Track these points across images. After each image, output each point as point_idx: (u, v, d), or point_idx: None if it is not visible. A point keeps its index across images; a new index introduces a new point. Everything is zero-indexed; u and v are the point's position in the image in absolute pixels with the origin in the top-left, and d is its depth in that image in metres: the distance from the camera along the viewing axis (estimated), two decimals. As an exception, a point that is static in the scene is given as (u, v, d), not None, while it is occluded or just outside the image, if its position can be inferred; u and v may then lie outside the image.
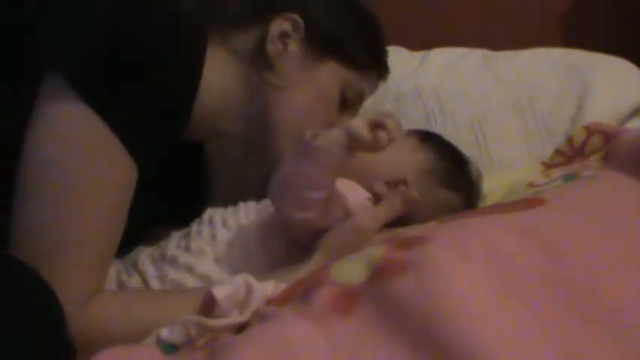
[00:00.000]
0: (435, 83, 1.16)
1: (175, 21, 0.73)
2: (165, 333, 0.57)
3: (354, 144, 0.70)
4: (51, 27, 0.71)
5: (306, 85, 0.84)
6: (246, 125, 0.84)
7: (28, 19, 0.73)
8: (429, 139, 0.92)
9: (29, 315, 0.55)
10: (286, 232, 0.79)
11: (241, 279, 0.60)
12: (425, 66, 1.21)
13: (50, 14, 0.72)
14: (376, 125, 0.70)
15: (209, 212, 0.85)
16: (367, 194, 0.83)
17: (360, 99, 0.90)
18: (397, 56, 1.24)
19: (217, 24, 0.83)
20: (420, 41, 1.26)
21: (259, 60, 0.82)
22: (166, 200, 0.85)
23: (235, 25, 0.84)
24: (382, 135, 0.70)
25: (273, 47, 0.82)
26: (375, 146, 0.70)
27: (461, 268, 0.51)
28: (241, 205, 0.85)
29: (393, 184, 0.85)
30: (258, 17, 0.83)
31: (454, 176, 0.89)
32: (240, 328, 0.57)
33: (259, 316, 0.57)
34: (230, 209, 0.85)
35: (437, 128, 1.09)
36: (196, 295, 0.65)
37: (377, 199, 0.83)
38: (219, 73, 0.80)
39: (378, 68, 0.92)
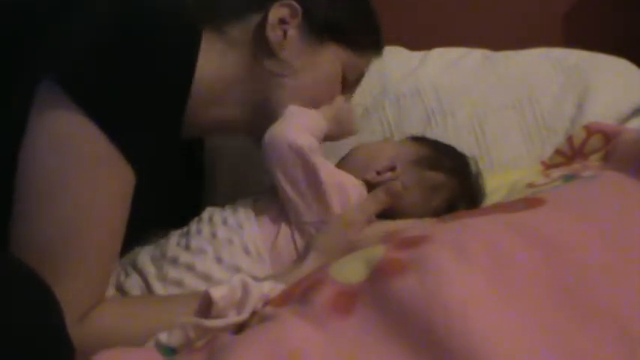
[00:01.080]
0: (435, 83, 1.16)
1: (166, 21, 0.73)
2: (163, 336, 0.57)
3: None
4: (43, 34, 0.71)
5: (308, 70, 0.84)
6: (247, 111, 0.83)
7: (18, 26, 0.73)
8: (419, 136, 0.96)
9: (28, 314, 0.55)
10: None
11: (237, 279, 0.60)
12: (425, 66, 1.21)
13: (42, 21, 0.72)
14: None
15: (209, 211, 0.85)
16: (358, 181, 0.85)
17: (359, 79, 0.92)
18: (397, 56, 1.24)
19: (215, 16, 0.82)
20: (420, 41, 1.26)
21: (259, 48, 0.82)
22: (166, 200, 0.85)
23: (234, 15, 0.83)
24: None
25: (273, 35, 0.81)
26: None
27: (461, 267, 0.51)
28: (241, 203, 0.85)
29: (383, 171, 0.87)
30: (255, 6, 0.83)
31: (443, 160, 0.90)
32: (239, 329, 0.57)
33: (259, 317, 0.57)
34: (229, 208, 0.85)
35: (437, 128, 1.09)
36: (195, 300, 0.65)
37: (369, 187, 0.85)
38: (218, 64, 0.80)
39: (376, 46, 0.92)
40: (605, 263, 0.53)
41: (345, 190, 0.81)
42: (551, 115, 1.13)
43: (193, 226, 0.83)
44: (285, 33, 0.82)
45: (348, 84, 0.89)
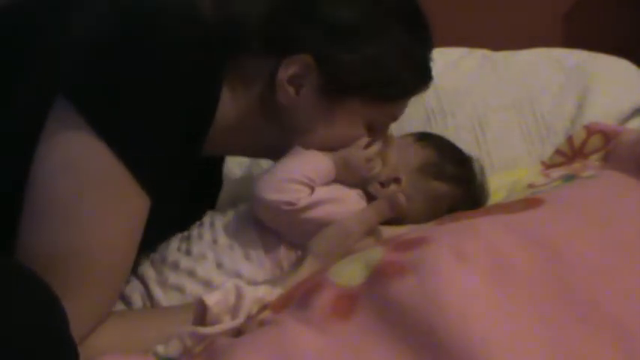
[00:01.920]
0: (435, 83, 1.16)
1: (192, 44, 0.68)
2: (161, 348, 0.57)
3: None
4: (57, 48, 0.68)
5: (323, 129, 0.77)
6: (257, 146, 0.81)
7: (17, 26, 0.71)
8: (426, 137, 0.92)
9: (31, 317, 0.55)
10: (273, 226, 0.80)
11: (230, 283, 0.59)
12: (425, 66, 1.20)
13: (56, 35, 0.69)
14: None
15: (210, 216, 0.85)
16: (358, 190, 0.83)
17: (389, 123, 0.84)
18: (397, 56, 1.24)
19: (234, 49, 0.74)
20: (420, 41, 1.25)
21: (270, 99, 0.75)
22: (178, 215, 0.83)
23: (248, 50, 0.74)
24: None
25: (282, 94, 0.74)
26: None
27: (460, 269, 0.51)
28: (242, 208, 0.85)
29: (387, 183, 0.85)
30: (270, 50, 0.74)
31: (448, 169, 0.88)
32: (236, 335, 0.57)
33: (258, 322, 0.56)
34: (231, 213, 0.84)
35: (437, 128, 1.09)
36: (192, 310, 0.64)
37: (370, 199, 0.83)
38: (229, 101, 0.75)
39: (421, 85, 0.82)
40: (605, 263, 0.52)
41: (340, 202, 0.80)
42: (551, 115, 1.13)
43: (194, 230, 0.83)
44: (297, 90, 0.74)
45: (376, 130, 0.81)
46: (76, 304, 0.63)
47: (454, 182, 0.87)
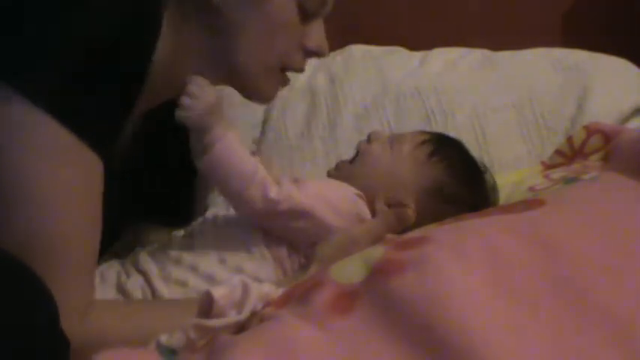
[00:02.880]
0: (435, 83, 1.16)
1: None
2: (163, 338, 0.57)
3: None
4: None
5: (258, 21, 0.78)
6: (210, 72, 0.79)
7: None
8: (441, 150, 0.88)
9: (21, 308, 0.55)
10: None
11: (237, 279, 0.60)
12: (425, 66, 1.21)
13: None
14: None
15: (212, 211, 0.85)
16: (356, 190, 0.83)
17: (322, 2, 0.82)
18: (397, 56, 1.24)
19: None
20: (420, 41, 1.26)
21: (205, 11, 0.76)
22: (152, 190, 0.83)
23: None
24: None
25: None
26: None
27: (460, 267, 0.51)
28: None
29: (394, 205, 0.83)
30: None
31: (460, 193, 0.85)
32: (238, 330, 0.57)
33: (259, 318, 0.57)
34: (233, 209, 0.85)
35: (437, 128, 1.09)
36: (196, 304, 0.64)
37: (374, 214, 0.83)
38: (170, 34, 0.75)
39: None
40: (605, 263, 0.52)
41: (334, 205, 0.80)
42: (551, 115, 1.13)
43: (197, 226, 0.83)
44: None
45: (309, 14, 0.80)
46: (62, 280, 0.64)
47: (466, 205, 0.83)
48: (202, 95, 0.71)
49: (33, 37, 0.65)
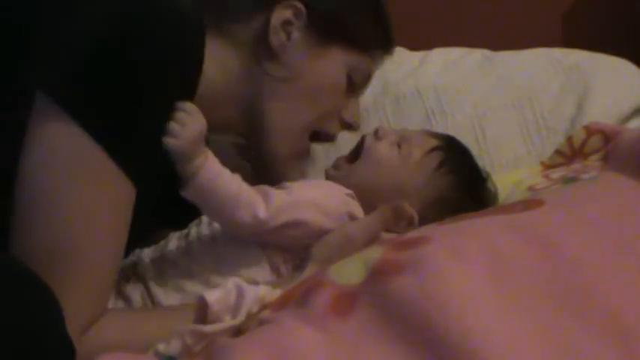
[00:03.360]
0: (435, 83, 1.16)
1: (169, 23, 0.69)
2: (161, 346, 0.57)
3: None
4: (38, 42, 0.68)
5: (310, 75, 0.82)
6: (244, 117, 0.81)
7: (15, 35, 0.71)
8: (450, 161, 0.87)
9: (27, 314, 0.55)
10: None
11: (231, 282, 0.59)
12: (425, 66, 1.21)
13: (37, 28, 0.69)
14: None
15: None
16: (347, 190, 0.82)
17: (367, 79, 0.88)
18: (397, 56, 1.24)
19: (216, 16, 0.80)
20: (420, 41, 1.26)
21: (261, 50, 0.80)
22: (167, 205, 0.84)
23: (235, 16, 0.81)
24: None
25: (276, 37, 0.79)
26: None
27: (459, 267, 0.51)
28: None
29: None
30: (258, 6, 0.81)
31: (464, 205, 0.83)
32: (237, 334, 0.57)
33: (258, 321, 0.56)
34: None
35: (437, 128, 1.09)
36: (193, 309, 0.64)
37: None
38: (220, 66, 0.78)
39: (385, 45, 0.89)
40: (605, 263, 0.53)
41: (324, 208, 0.78)
42: (551, 115, 1.13)
43: (193, 229, 0.82)
44: (288, 35, 0.80)
45: (355, 87, 0.86)
46: (73, 296, 0.64)
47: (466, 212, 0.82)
48: (190, 123, 0.70)
49: (81, 57, 0.66)
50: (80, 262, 0.67)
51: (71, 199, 0.66)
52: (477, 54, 1.23)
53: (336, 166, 0.89)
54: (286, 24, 0.80)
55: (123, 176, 0.68)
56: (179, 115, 0.70)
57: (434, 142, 0.88)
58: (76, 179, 0.66)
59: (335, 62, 0.83)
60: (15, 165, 0.67)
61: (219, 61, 0.78)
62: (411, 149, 0.86)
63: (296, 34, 0.80)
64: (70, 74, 0.66)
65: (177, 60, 0.70)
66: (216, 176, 0.73)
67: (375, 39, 0.87)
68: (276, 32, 0.79)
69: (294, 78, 0.81)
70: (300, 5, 0.80)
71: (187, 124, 0.70)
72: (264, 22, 0.80)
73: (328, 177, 0.88)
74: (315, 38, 0.81)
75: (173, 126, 0.70)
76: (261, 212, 0.74)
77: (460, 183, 0.86)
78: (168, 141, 0.69)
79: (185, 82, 0.72)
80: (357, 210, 0.81)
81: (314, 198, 0.78)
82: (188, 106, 0.71)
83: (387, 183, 0.84)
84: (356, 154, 0.88)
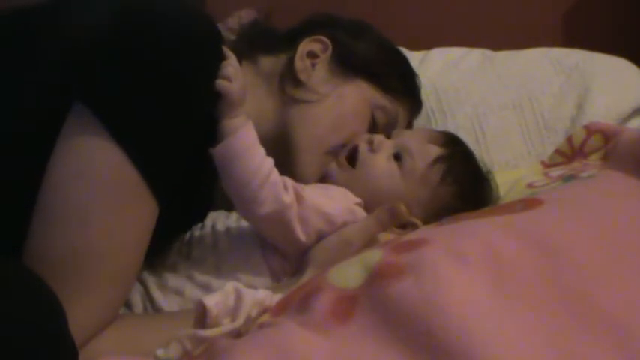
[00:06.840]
0: (435, 83, 1.16)
1: (207, 51, 0.70)
2: (161, 351, 0.57)
3: None
4: (64, 49, 0.68)
5: (334, 98, 0.85)
6: (273, 139, 0.81)
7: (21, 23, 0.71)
8: (454, 170, 0.85)
9: (30, 318, 0.55)
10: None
11: (230, 285, 0.59)
12: (425, 66, 1.21)
13: (60, 34, 0.69)
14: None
15: (211, 217, 0.84)
16: (357, 199, 0.82)
17: (392, 122, 0.90)
18: (397, 56, 1.24)
19: (250, 50, 0.86)
20: (420, 41, 1.26)
21: (287, 78, 0.85)
22: (178, 214, 0.83)
23: (268, 51, 0.88)
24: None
25: (300, 64, 0.85)
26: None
27: (458, 269, 0.51)
28: None
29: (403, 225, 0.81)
30: (288, 43, 0.87)
31: (464, 208, 0.81)
32: (236, 337, 0.57)
33: (257, 325, 0.56)
34: (233, 215, 0.84)
35: (437, 128, 1.09)
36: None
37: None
38: (249, 92, 0.77)
39: (410, 96, 0.94)
40: (604, 264, 0.52)
41: (331, 218, 0.78)
42: (551, 115, 1.13)
43: (196, 233, 0.82)
44: (313, 64, 0.86)
45: (378, 127, 0.89)
46: (84, 307, 0.64)
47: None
48: (239, 76, 0.71)
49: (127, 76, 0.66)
50: (94, 274, 0.66)
51: (96, 213, 0.66)
52: (477, 54, 1.24)
53: (340, 165, 0.86)
54: (311, 55, 0.86)
55: (151, 197, 0.67)
56: (228, 67, 0.71)
57: (436, 151, 0.86)
58: (106, 195, 0.66)
59: (359, 90, 0.87)
60: (32, 175, 0.66)
61: (250, 87, 0.78)
62: (414, 163, 0.84)
63: (320, 64, 0.86)
64: (118, 92, 0.66)
65: (207, 90, 0.70)
66: (253, 143, 0.73)
67: (400, 86, 0.92)
68: (301, 59, 0.85)
69: (317, 101, 0.85)
70: (327, 40, 0.87)
71: (238, 76, 0.71)
72: (291, 55, 0.86)
73: (330, 175, 0.86)
74: (340, 68, 0.87)
75: (228, 69, 0.70)
76: (286, 196, 0.74)
77: (464, 192, 0.85)
78: (222, 83, 0.70)
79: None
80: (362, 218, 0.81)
81: (322, 206, 0.78)
82: (234, 61, 0.72)
83: (388, 198, 0.81)
84: (351, 158, 0.86)
